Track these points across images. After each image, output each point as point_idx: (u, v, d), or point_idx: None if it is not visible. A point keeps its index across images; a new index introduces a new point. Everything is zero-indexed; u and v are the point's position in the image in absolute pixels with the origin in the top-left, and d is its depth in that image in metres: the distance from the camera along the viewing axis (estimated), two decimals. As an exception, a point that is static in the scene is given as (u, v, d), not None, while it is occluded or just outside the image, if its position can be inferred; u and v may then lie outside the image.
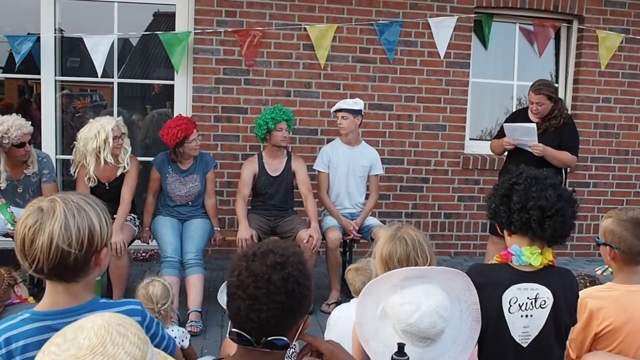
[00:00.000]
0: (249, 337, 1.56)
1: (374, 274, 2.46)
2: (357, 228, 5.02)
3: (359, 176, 5.14)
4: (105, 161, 4.46)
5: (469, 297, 2.14)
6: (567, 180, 5.06)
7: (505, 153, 5.10)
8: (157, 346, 1.84)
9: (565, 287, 2.34)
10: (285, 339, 1.58)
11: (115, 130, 4.47)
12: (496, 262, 2.37)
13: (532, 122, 4.84)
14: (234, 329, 1.58)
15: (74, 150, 4.59)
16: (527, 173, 2.33)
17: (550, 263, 2.32)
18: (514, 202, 2.28)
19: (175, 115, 5.98)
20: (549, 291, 2.28)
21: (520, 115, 5.04)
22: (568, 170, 5.11)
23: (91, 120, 4.56)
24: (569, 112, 5.07)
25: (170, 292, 3.26)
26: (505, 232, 2.41)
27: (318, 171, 5.13)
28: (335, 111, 5.05)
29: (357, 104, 5.04)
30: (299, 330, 1.64)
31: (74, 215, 1.64)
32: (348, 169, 5.09)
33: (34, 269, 1.65)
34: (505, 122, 5.09)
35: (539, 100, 4.75)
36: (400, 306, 2.00)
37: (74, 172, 4.63)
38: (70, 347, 1.16)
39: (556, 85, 6.76)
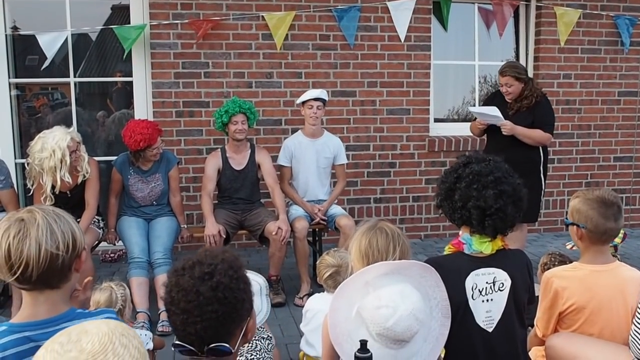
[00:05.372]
0: (191, 348, 1.57)
1: (350, 268, 2.42)
2: (323, 210, 4.97)
3: (322, 168, 5.10)
4: (62, 179, 4.28)
5: (438, 293, 2.14)
6: (548, 158, 5.10)
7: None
8: None
9: (520, 268, 2.38)
10: (228, 346, 1.58)
11: (71, 145, 4.28)
12: (449, 252, 2.39)
13: (507, 102, 4.91)
14: (176, 342, 1.60)
15: (29, 166, 4.37)
16: (471, 168, 2.32)
17: (503, 247, 2.35)
18: (455, 200, 2.32)
19: (136, 115, 5.89)
20: (505, 273, 2.32)
21: (497, 97, 5.06)
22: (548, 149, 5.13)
23: (41, 135, 4.31)
24: (542, 90, 5.11)
25: (116, 302, 3.07)
26: None
27: (280, 165, 5.08)
28: (304, 102, 4.94)
29: (325, 93, 5.04)
30: (242, 334, 1.64)
31: (55, 220, 1.72)
32: (312, 162, 5.04)
33: (22, 279, 1.68)
34: (484, 103, 5.20)
35: (507, 82, 4.82)
36: (377, 310, 1.97)
37: (31, 186, 4.43)
38: (73, 348, 1.20)
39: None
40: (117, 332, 1.25)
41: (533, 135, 4.81)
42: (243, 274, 1.65)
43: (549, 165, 6.67)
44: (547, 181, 6.66)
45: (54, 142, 4.22)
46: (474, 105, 6.59)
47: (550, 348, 2.50)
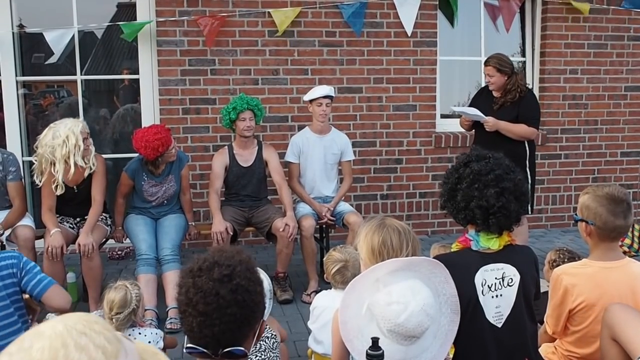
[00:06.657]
0: (205, 351, 1.55)
1: (359, 265, 2.42)
2: (331, 210, 4.97)
3: (330, 164, 5.09)
4: (75, 164, 4.27)
5: (447, 289, 2.13)
6: (536, 153, 5.13)
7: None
8: (29, 289, 2.62)
9: (528, 263, 2.39)
10: (243, 349, 1.57)
11: (84, 132, 4.30)
12: (456, 248, 2.39)
13: (493, 96, 5.01)
14: (189, 345, 1.58)
15: (38, 157, 4.34)
16: (471, 168, 2.33)
17: (510, 242, 2.35)
18: (458, 200, 2.34)
19: (143, 112, 5.90)
20: (514, 268, 2.32)
21: (484, 92, 5.16)
22: (538, 142, 5.16)
23: (51, 125, 4.31)
24: (530, 85, 5.17)
25: (131, 302, 3.04)
26: None
27: (288, 162, 5.07)
28: (313, 99, 4.90)
29: (333, 90, 5.03)
30: (255, 337, 1.64)
31: None
32: (319, 158, 5.03)
33: None
34: (473, 97, 5.33)
35: (488, 72, 4.92)
36: (388, 306, 1.97)
37: (39, 182, 4.39)
38: (24, 358, 0.95)
39: (522, 59, 6.79)
40: (75, 331, 0.99)
41: (516, 130, 4.86)
42: (258, 275, 1.64)
43: (555, 160, 6.74)
44: (548, 177, 6.73)
45: (67, 129, 4.23)
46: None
47: (608, 311, 2.43)
